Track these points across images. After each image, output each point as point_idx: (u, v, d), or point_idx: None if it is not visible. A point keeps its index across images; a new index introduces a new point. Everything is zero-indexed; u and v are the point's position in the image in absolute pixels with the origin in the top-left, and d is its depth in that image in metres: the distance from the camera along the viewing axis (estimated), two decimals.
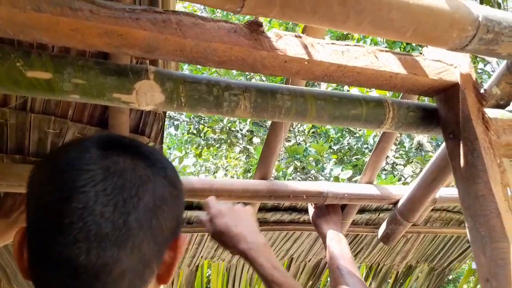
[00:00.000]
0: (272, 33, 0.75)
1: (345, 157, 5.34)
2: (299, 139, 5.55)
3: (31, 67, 0.63)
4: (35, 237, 0.43)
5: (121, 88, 0.69)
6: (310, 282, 1.97)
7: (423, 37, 0.75)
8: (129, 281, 0.41)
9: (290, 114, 0.84)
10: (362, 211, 1.64)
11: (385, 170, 5.37)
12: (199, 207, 1.36)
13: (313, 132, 5.41)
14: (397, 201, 1.45)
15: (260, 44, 0.72)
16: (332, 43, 0.80)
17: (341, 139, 5.28)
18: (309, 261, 1.89)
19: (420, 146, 5.35)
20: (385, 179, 4.18)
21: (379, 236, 1.54)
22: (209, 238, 1.53)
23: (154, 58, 0.75)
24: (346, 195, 1.34)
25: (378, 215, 1.67)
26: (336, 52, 0.79)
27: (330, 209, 1.33)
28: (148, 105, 0.72)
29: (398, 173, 5.26)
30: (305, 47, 0.76)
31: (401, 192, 1.44)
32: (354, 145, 5.29)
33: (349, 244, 1.86)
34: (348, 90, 3.42)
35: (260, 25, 0.72)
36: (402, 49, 4.00)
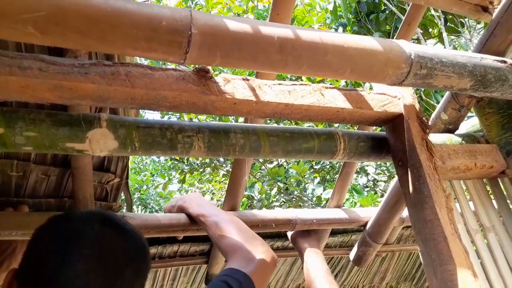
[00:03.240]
0: (220, 78, 0.79)
1: (328, 175, 5.39)
2: (281, 161, 5.61)
3: None
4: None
5: (74, 138, 0.72)
6: None
7: (361, 75, 0.80)
8: None
9: (245, 151, 0.87)
10: (334, 233, 1.67)
11: (367, 187, 5.43)
12: (168, 241, 1.37)
13: None
14: (366, 223, 1.48)
15: (209, 89, 0.77)
16: (279, 84, 0.85)
17: None
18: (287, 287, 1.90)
19: None
20: (366, 196, 4.25)
21: (351, 259, 1.57)
22: (183, 273, 1.53)
23: (107, 106, 0.78)
24: (315, 221, 1.37)
25: (351, 237, 1.70)
26: (283, 92, 0.83)
27: (310, 230, 1.38)
28: (102, 151, 0.75)
29: (380, 189, 5.32)
30: (253, 89, 0.80)
31: (369, 214, 1.48)
32: (336, 163, 5.36)
33: None
34: None
35: (207, 71, 0.76)
36: None
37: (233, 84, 0.80)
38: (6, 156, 1.01)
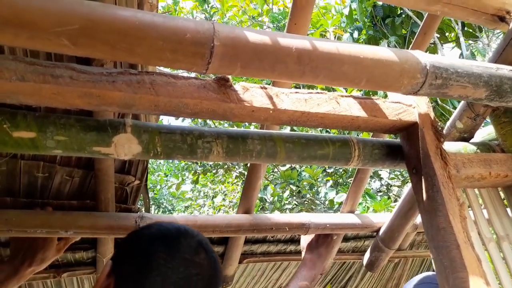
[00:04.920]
0: (239, 86, 0.82)
1: (340, 179, 5.37)
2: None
3: (16, 127, 0.70)
4: None
5: (101, 142, 0.76)
6: None
7: (376, 85, 0.82)
8: None
9: (261, 157, 0.90)
10: (347, 239, 1.68)
11: (381, 191, 5.39)
12: None
13: None
14: (379, 229, 1.49)
15: (228, 97, 0.80)
16: (296, 92, 0.87)
17: None
18: None
19: None
20: (379, 201, 4.22)
21: (364, 264, 1.58)
22: None
23: (132, 113, 0.82)
24: (328, 225, 1.39)
25: (364, 242, 1.71)
26: (299, 100, 0.86)
27: (321, 241, 1.37)
28: (126, 155, 0.78)
29: (393, 194, 5.27)
30: (270, 97, 0.83)
31: (382, 219, 1.49)
32: None
33: (337, 271, 1.89)
34: None
35: (227, 80, 0.80)
36: None
37: (251, 92, 0.82)
38: (33, 158, 1.06)
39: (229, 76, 0.81)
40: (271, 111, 0.83)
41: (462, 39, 4.39)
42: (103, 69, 0.72)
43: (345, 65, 0.76)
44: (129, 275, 0.69)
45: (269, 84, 0.93)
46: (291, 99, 0.85)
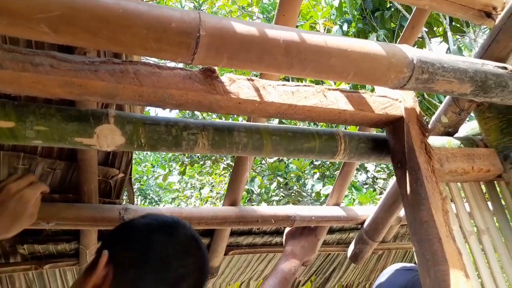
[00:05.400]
0: (225, 78, 0.81)
1: (327, 171, 5.41)
2: None
3: None
4: None
5: (82, 133, 0.74)
6: None
7: (364, 79, 0.82)
8: None
9: (247, 149, 0.89)
10: (332, 231, 1.70)
11: (366, 184, 5.45)
12: None
13: None
14: (364, 221, 1.51)
15: (214, 89, 0.78)
16: (283, 84, 0.86)
17: None
18: None
19: None
20: (365, 193, 4.27)
21: (348, 256, 1.60)
22: None
23: (116, 103, 0.80)
24: (313, 218, 1.40)
25: (348, 234, 1.73)
26: (287, 93, 0.85)
27: (306, 234, 1.36)
28: (109, 147, 0.77)
29: (379, 187, 5.34)
30: (257, 89, 0.82)
31: (367, 212, 1.50)
32: None
33: (322, 263, 1.92)
34: None
35: (213, 71, 0.78)
36: None
37: (238, 84, 0.81)
38: (13, 148, 1.03)
39: (215, 67, 0.80)
40: (258, 103, 0.82)
41: (449, 34, 4.43)
42: (85, 57, 0.70)
43: (333, 58, 0.75)
44: (129, 262, 0.70)
45: (257, 77, 0.92)
46: (278, 91, 0.84)
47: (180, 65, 0.95)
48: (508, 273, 0.98)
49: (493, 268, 0.97)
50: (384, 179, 5.42)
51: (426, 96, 4.51)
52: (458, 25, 4.80)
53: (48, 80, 0.67)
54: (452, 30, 4.71)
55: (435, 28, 5.09)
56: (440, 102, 4.11)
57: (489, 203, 1.09)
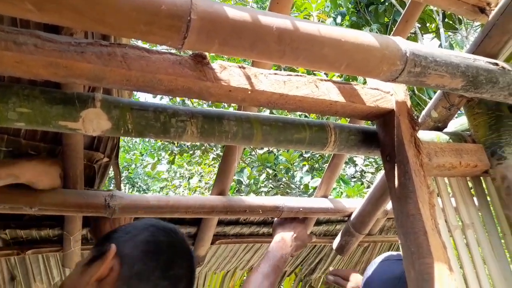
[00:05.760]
0: (216, 65, 0.79)
1: (316, 164, 5.44)
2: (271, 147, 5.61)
3: None
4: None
5: (67, 116, 0.72)
6: None
7: (356, 70, 0.81)
8: None
9: (237, 139, 0.88)
10: (319, 222, 1.71)
11: (355, 177, 5.50)
12: None
13: None
14: (351, 214, 1.52)
15: (205, 75, 0.77)
16: (275, 73, 0.85)
17: None
18: None
19: None
20: (353, 186, 4.31)
21: (334, 247, 1.61)
22: None
23: (103, 87, 0.78)
24: (301, 209, 1.40)
25: (335, 226, 1.74)
26: (278, 82, 0.84)
27: (295, 225, 1.36)
28: (95, 131, 0.75)
29: (366, 181, 5.39)
30: (248, 78, 0.81)
31: (354, 205, 1.51)
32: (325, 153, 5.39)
33: (308, 254, 1.93)
34: None
35: (204, 57, 0.77)
36: None
37: (229, 71, 0.80)
38: None
39: (206, 54, 0.78)
40: (249, 92, 0.81)
41: (442, 30, 4.45)
42: (71, 38, 0.68)
43: (326, 47, 0.74)
44: (137, 257, 0.75)
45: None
46: (270, 80, 0.83)
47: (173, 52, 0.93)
48: (490, 267, 1.00)
49: (476, 262, 0.99)
50: (372, 173, 5.47)
51: (416, 91, 4.54)
52: (451, 22, 4.83)
53: (32, 60, 0.64)
54: (444, 27, 4.73)
55: (428, 24, 5.12)
56: (430, 98, 4.14)
57: (475, 199, 1.10)
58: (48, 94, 0.71)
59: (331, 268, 1.42)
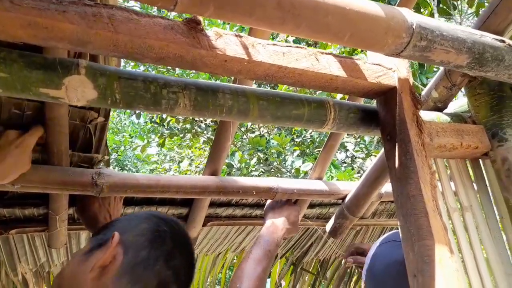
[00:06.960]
0: (211, 32, 0.74)
1: (307, 149, 5.42)
2: (262, 131, 5.58)
3: None
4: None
5: (49, 83, 0.66)
6: None
7: (360, 42, 0.76)
8: None
9: (232, 113, 0.83)
10: (313, 205, 1.68)
11: (345, 163, 5.51)
12: (145, 202, 1.34)
13: None
14: (345, 197, 1.49)
15: (199, 43, 0.71)
16: (274, 44, 0.80)
17: (304, 132, 5.36)
18: None
19: (380, 140, 5.52)
20: (344, 171, 4.31)
21: (327, 230, 1.59)
22: None
23: (89, 53, 0.72)
24: (295, 191, 1.36)
25: (328, 209, 1.72)
26: (277, 53, 0.79)
27: (286, 208, 1.31)
28: (80, 101, 0.69)
29: (357, 166, 5.40)
30: (245, 47, 0.75)
31: (349, 187, 1.49)
32: (316, 138, 5.39)
33: (300, 237, 1.91)
34: None
35: (198, 22, 0.71)
36: None
37: (225, 39, 0.74)
38: None
39: (201, 19, 0.72)
40: (245, 63, 0.76)
41: (436, 16, 4.41)
42: None
43: (329, 15, 0.69)
44: (141, 245, 0.73)
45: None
46: (268, 51, 0.78)
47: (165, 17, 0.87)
48: (488, 249, 0.98)
49: (473, 244, 0.97)
50: (362, 158, 5.48)
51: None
52: (445, 7, 4.78)
53: (8, 18, 0.58)
54: (439, 12, 4.69)
55: (422, 10, 5.06)
56: (423, 84, 4.12)
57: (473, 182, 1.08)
58: (27, 58, 0.65)
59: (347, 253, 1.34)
